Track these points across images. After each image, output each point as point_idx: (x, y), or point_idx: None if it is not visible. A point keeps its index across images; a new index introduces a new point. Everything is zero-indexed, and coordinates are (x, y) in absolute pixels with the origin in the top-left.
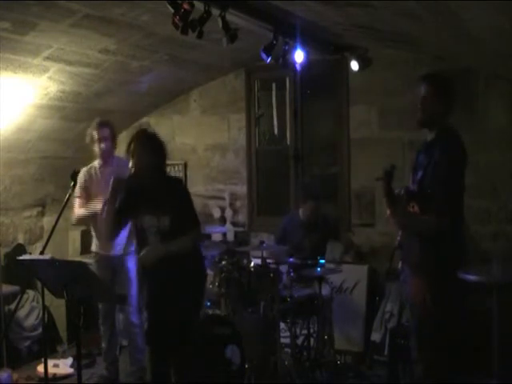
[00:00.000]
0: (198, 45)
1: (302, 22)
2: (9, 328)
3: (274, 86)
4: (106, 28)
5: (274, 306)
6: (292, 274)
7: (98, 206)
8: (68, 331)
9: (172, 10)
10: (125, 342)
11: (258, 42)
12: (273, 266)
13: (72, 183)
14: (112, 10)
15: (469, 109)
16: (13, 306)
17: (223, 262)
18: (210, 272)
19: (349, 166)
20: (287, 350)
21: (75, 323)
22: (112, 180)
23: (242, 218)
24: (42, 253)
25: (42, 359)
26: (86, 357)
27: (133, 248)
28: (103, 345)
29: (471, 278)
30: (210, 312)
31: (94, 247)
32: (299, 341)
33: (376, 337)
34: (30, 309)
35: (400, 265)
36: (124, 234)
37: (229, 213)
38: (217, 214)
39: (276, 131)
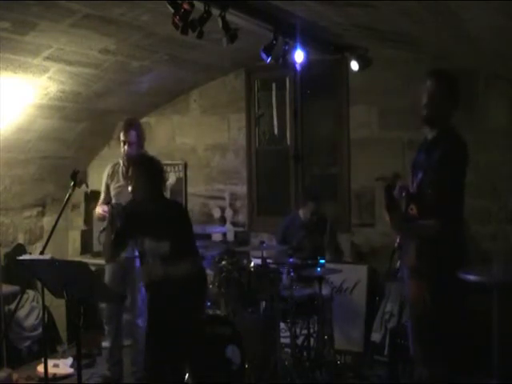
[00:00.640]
0: (198, 45)
1: (302, 22)
2: (9, 328)
3: (274, 86)
4: (106, 28)
5: (274, 306)
6: (292, 274)
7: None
8: (68, 331)
9: (172, 10)
10: (126, 342)
11: (258, 42)
12: (273, 266)
13: (72, 183)
14: (112, 10)
15: (469, 109)
16: (13, 306)
17: (223, 262)
18: (209, 272)
19: (349, 166)
20: (287, 349)
21: (75, 323)
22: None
23: (242, 218)
24: (42, 253)
25: (42, 359)
26: (86, 357)
27: None
28: (106, 344)
29: (471, 278)
30: (210, 312)
31: None
32: (299, 341)
33: (376, 337)
34: (29, 309)
35: (398, 264)
36: None
37: (229, 213)
38: (217, 214)
39: (276, 131)
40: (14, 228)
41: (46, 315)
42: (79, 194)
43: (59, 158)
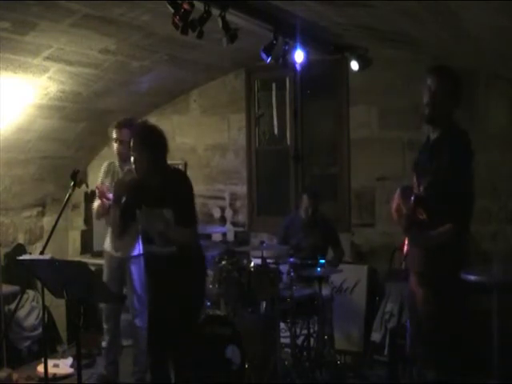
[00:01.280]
0: (198, 45)
1: (302, 22)
2: (9, 328)
3: (274, 86)
4: (106, 28)
5: (274, 306)
6: (292, 274)
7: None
8: (68, 331)
9: (172, 10)
10: (126, 342)
11: (258, 42)
12: (273, 266)
13: (72, 183)
14: (112, 10)
15: (469, 109)
16: (13, 306)
17: (223, 262)
18: (209, 272)
19: (349, 166)
20: (287, 350)
21: (75, 323)
22: (114, 183)
23: (242, 217)
24: (42, 253)
25: (42, 359)
26: (86, 357)
27: (141, 251)
28: (104, 344)
29: (472, 278)
30: (210, 312)
31: (106, 246)
32: (299, 341)
33: (376, 337)
34: (30, 309)
35: (403, 266)
36: (134, 237)
37: (229, 213)
38: (217, 214)
39: (276, 131)
40: (14, 228)
41: (45, 315)
42: (79, 194)
43: (59, 157)
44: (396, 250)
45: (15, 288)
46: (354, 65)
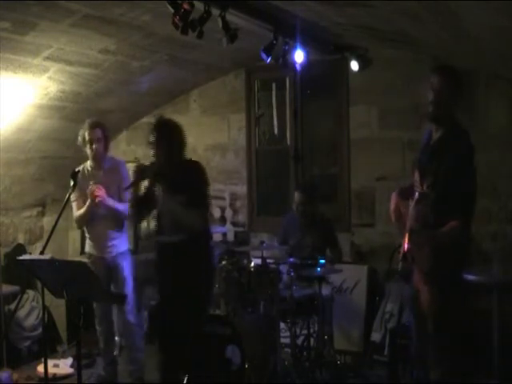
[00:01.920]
0: (198, 45)
1: (302, 22)
2: (9, 328)
3: (274, 86)
4: (106, 28)
5: (274, 306)
6: (292, 274)
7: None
8: (68, 331)
9: (172, 10)
10: (124, 342)
11: (258, 42)
12: (273, 265)
13: (72, 183)
14: (112, 10)
15: (469, 109)
16: (13, 306)
17: (223, 262)
18: None
19: (349, 166)
20: (287, 350)
21: (75, 323)
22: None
23: (242, 217)
24: (42, 253)
25: (42, 359)
26: (86, 357)
27: (127, 247)
28: (101, 345)
29: (472, 278)
30: (210, 312)
31: (87, 248)
32: (299, 341)
33: (376, 337)
34: (30, 309)
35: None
36: (118, 234)
37: (229, 213)
38: (217, 213)
39: (276, 131)
40: (14, 228)
41: (46, 315)
42: None
43: (59, 157)
44: (396, 250)
45: (15, 288)
46: (354, 65)
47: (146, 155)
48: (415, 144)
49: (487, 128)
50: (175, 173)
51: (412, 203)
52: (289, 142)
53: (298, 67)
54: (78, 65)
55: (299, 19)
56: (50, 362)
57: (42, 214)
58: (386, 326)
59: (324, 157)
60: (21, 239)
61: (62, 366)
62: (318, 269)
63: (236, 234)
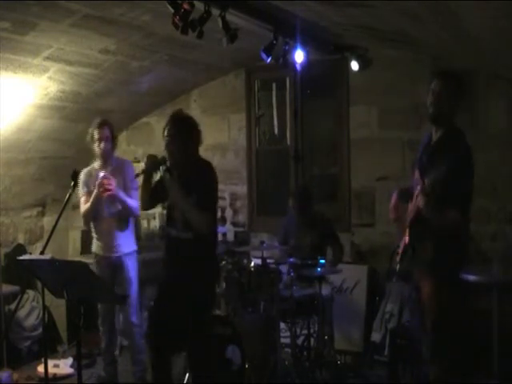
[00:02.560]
0: (198, 45)
1: (302, 22)
2: (9, 328)
3: (274, 86)
4: (106, 28)
5: (274, 306)
6: (292, 274)
7: (98, 206)
8: (68, 331)
9: (172, 10)
10: (126, 342)
11: (258, 42)
12: (273, 265)
13: (72, 183)
14: (112, 10)
15: (469, 109)
16: (13, 306)
17: (223, 262)
18: None
19: (349, 166)
20: (287, 350)
21: (75, 323)
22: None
23: (242, 217)
24: (42, 253)
25: (42, 359)
26: (86, 357)
27: (133, 248)
28: (102, 345)
29: (471, 278)
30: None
31: (94, 248)
32: (299, 341)
33: (376, 337)
34: (30, 309)
35: (398, 267)
36: (125, 235)
37: (229, 213)
38: (217, 213)
39: (276, 131)
40: (14, 228)
41: (46, 315)
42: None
43: (59, 157)
44: (396, 250)
45: (15, 288)
46: (354, 65)
47: (146, 155)
48: (415, 144)
49: (487, 128)
50: (189, 172)
51: (412, 201)
52: (289, 142)
53: (298, 67)
54: (78, 65)
55: (299, 19)
56: (50, 362)
57: (42, 214)
58: (386, 326)
59: (324, 157)
60: (21, 239)
61: (62, 366)
62: (318, 269)
63: (236, 233)
